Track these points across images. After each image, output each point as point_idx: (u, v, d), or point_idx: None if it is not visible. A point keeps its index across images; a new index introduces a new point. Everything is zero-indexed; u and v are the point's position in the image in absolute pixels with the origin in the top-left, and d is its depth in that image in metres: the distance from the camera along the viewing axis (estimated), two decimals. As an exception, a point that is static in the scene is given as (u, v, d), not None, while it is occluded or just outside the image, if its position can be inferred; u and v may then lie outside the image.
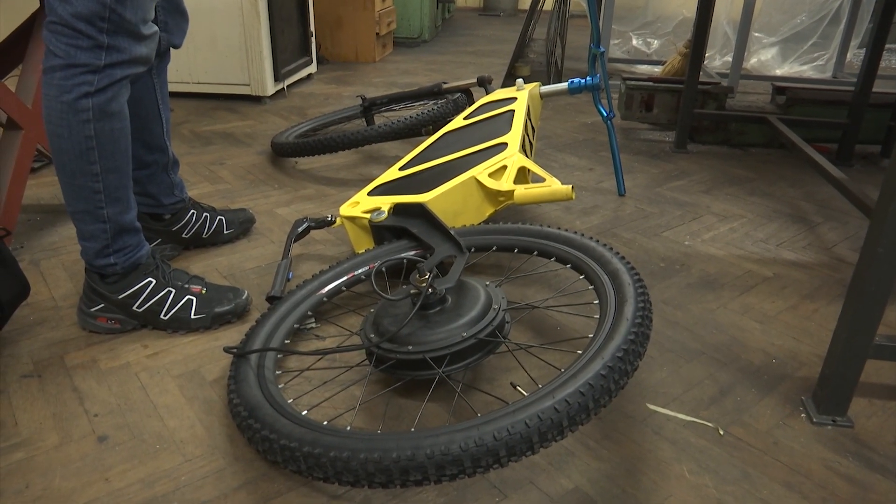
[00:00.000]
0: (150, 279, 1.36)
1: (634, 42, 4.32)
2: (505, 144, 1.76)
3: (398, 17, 4.82)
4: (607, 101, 2.17)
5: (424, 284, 1.17)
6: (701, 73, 2.55)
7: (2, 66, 1.88)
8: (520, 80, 2.15)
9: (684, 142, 2.67)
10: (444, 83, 2.48)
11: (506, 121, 1.92)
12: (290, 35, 3.39)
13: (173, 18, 1.45)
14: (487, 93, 2.33)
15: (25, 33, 1.79)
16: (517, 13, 7.15)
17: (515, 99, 2.05)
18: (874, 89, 2.47)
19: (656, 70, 4.19)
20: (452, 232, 1.40)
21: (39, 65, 1.73)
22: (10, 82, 1.92)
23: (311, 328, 1.41)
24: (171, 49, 1.53)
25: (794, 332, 1.46)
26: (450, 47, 4.99)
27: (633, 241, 1.86)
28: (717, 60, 4.19)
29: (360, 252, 1.66)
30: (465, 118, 2.06)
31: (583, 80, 2.15)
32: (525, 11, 7.32)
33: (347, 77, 3.86)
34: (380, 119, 2.72)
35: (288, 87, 3.41)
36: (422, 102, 2.57)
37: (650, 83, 2.76)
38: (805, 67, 4.14)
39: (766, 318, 1.51)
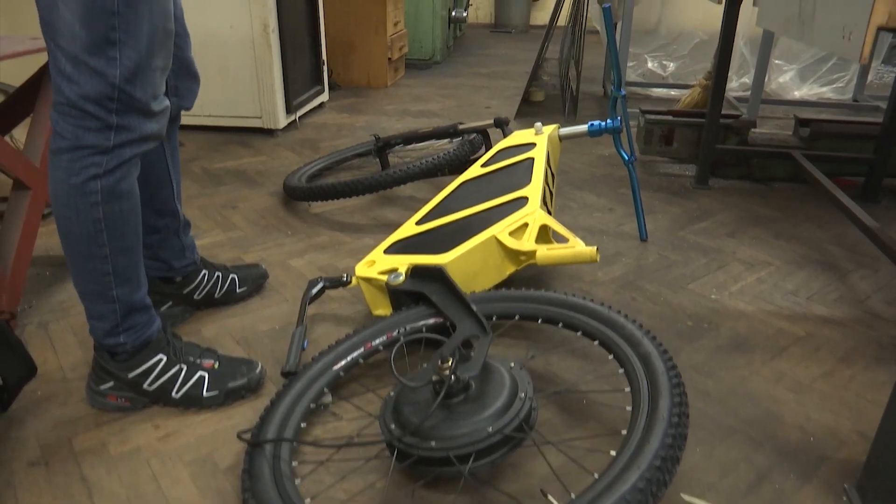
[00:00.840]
0: (160, 356, 1.31)
1: (650, 65, 4.25)
2: (525, 199, 1.71)
3: (410, 39, 4.78)
4: (629, 144, 2.11)
5: (447, 372, 1.12)
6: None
7: (11, 117, 1.85)
8: (538, 124, 2.10)
9: (706, 177, 2.60)
10: (461, 123, 2.43)
11: (525, 170, 1.87)
12: (301, 65, 3.35)
13: (184, 82, 1.40)
14: (504, 134, 2.28)
15: (34, 86, 1.76)
16: (528, 29, 7.10)
17: (534, 145, 2.00)
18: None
19: (673, 93, 4.13)
20: (474, 307, 1.34)
21: (48, 121, 1.70)
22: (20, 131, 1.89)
23: (328, 404, 1.36)
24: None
25: (831, 403, 1.40)
26: (462, 69, 4.94)
27: (658, 296, 1.80)
28: (734, 82, 4.12)
29: (377, 313, 1.62)
30: (483, 165, 2.01)
31: (603, 123, 2.09)
32: (536, 27, 7.29)
33: (360, 105, 3.81)
34: (393, 158, 2.67)
35: (300, 117, 3.37)
36: (437, 141, 2.52)
37: (669, 117, 2.70)
38: (825, 89, 4.06)
39: (801, 387, 1.44)
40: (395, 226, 2.21)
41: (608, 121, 2.08)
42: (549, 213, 1.84)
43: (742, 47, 4.03)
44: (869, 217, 1.93)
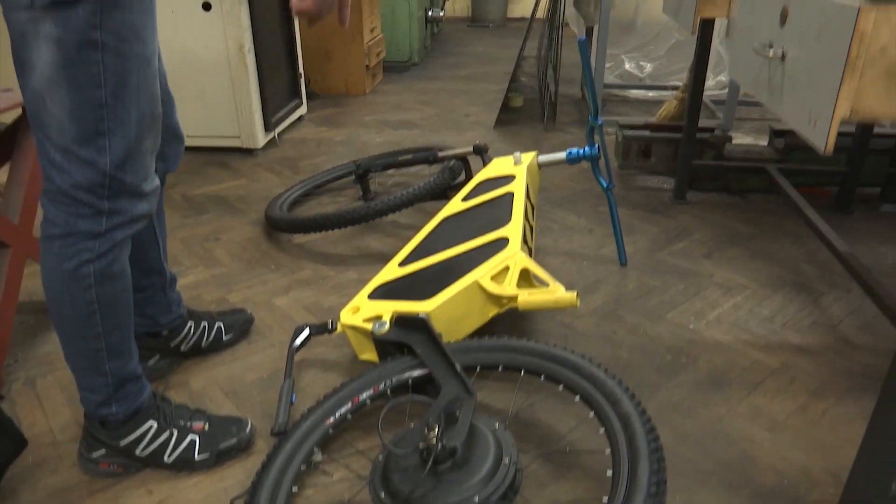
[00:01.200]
0: (151, 423, 1.33)
1: (627, 66, 4.27)
2: (506, 240, 1.73)
3: (387, 41, 4.76)
4: (607, 171, 2.14)
5: (434, 441, 1.15)
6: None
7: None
8: (517, 154, 2.12)
9: (683, 192, 2.64)
10: (440, 150, 2.44)
11: (505, 206, 1.89)
12: (278, 81, 3.33)
13: (171, 146, 1.40)
14: (484, 162, 2.30)
15: (10, 137, 1.75)
16: (506, 23, 7.08)
17: (514, 178, 2.02)
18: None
19: (650, 95, 4.16)
20: (458, 366, 1.37)
21: (25, 177, 1.70)
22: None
23: (318, 462, 1.39)
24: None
25: (805, 441, 1.45)
26: (440, 71, 4.93)
27: (638, 328, 1.84)
28: (710, 80, 4.15)
29: (363, 357, 1.64)
30: (463, 199, 2.03)
31: (581, 151, 2.11)
32: (513, 20, 7.27)
33: (338, 116, 3.80)
34: (373, 180, 2.68)
35: (279, 133, 3.36)
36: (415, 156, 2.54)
37: (647, 132, 2.73)
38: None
39: (776, 425, 1.49)
40: (378, 256, 2.23)
41: (586, 148, 2.11)
42: (530, 250, 1.87)
43: (718, 45, 4.05)
44: (840, 240, 1.98)
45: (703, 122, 2.62)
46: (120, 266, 1.18)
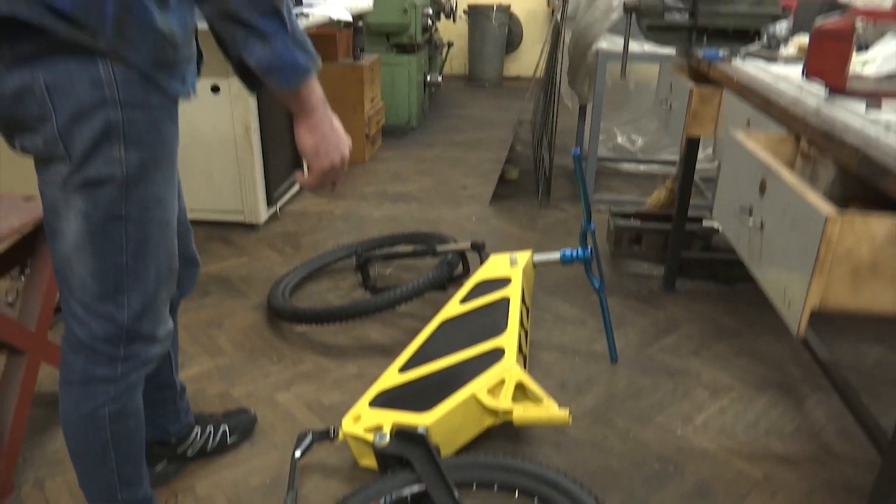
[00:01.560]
0: (160, 542, 1.38)
1: (619, 139, 4.41)
2: (502, 351, 1.81)
3: (386, 106, 4.89)
4: (598, 271, 2.23)
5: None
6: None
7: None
8: (513, 255, 2.21)
9: (672, 281, 2.73)
10: (439, 244, 2.53)
11: (502, 312, 1.97)
12: (282, 155, 3.44)
13: (187, 271, 1.48)
14: (481, 259, 2.39)
15: (28, 243, 1.82)
16: (502, 82, 7.26)
17: (509, 281, 2.10)
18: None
19: (642, 168, 4.29)
20: (456, 492, 1.43)
21: (43, 285, 1.77)
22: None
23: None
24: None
25: (787, 562, 1.51)
26: (438, 135, 5.06)
27: (627, 433, 1.91)
28: (700, 153, 4.28)
29: (363, 463, 1.71)
30: (461, 301, 2.11)
31: (574, 252, 2.21)
32: (509, 79, 7.45)
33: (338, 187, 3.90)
34: (372, 260, 2.76)
35: (281, 206, 3.45)
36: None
37: (638, 223, 2.83)
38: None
39: (760, 544, 1.56)
40: (378, 348, 2.30)
41: (579, 250, 2.20)
42: (525, 358, 1.95)
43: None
44: (821, 345, 2.06)
45: (691, 211, 2.72)
46: (134, 405, 1.24)
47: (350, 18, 3.53)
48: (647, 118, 4.44)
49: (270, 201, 3.30)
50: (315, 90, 1.11)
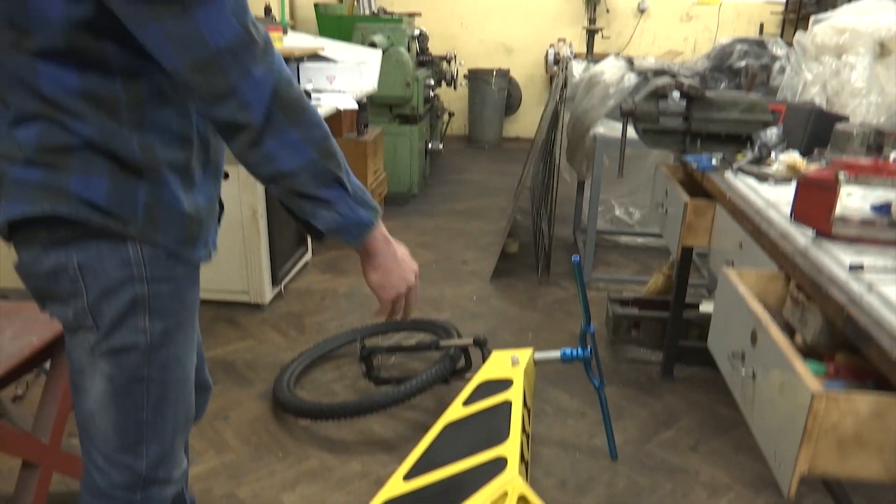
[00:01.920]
0: None
1: (617, 212, 4.51)
2: (504, 461, 1.85)
3: (388, 175, 4.99)
4: (598, 370, 2.28)
5: None
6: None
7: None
8: (515, 356, 2.27)
9: (670, 369, 2.79)
10: (442, 332, 2.60)
11: (504, 417, 2.02)
12: (287, 235, 3.52)
13: (199, 396, 1.53)
14: (483, 355, 2.44)
15: (47, 349, 1.87)
16: (501, 143, 7.41)
17: (511, 383, 2.15)
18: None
19: (639, 241, 4.38)
20: None
21: (59, 395, 1.81)
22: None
23: None
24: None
25: None
26: (439, 204, 5.15)
27: (627, 540, 1.94)
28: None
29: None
30: (464, 403, 2.16)
31: (574, 352, 2.26)
32: (508, 140, 7.61)
33: (341, 261, 3.97)
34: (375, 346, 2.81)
35: (286, 284, 3.52)
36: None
37: (636, 310, 2.90)
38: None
39: None
40: (381, 443, 2.34)
41: (579, 350, 2.26)
42: (527, 465, 1.99)
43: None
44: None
45: (688, 296, 2.79)
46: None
47: (356, 107, 3.66)
48: (643, 191, 4.53)
49: (275, 281, 3.37)
50: (377, 236, 1.15)
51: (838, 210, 1.40)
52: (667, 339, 2.74)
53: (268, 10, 3.91)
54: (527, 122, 7.46)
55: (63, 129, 0.98)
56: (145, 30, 0.92)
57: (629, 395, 2.66)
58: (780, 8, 7.06)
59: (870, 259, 1.29)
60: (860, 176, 1.36)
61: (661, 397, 2.66)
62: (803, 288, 1.35)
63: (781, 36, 7.12)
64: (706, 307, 3.04)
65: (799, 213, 1.44)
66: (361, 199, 1.11)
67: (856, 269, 1.20)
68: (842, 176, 1.35)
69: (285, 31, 3.93)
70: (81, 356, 1.12)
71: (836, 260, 1.30)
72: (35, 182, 0.99)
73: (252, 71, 0.95)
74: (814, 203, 1.40)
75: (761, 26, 7.16)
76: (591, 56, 7.00)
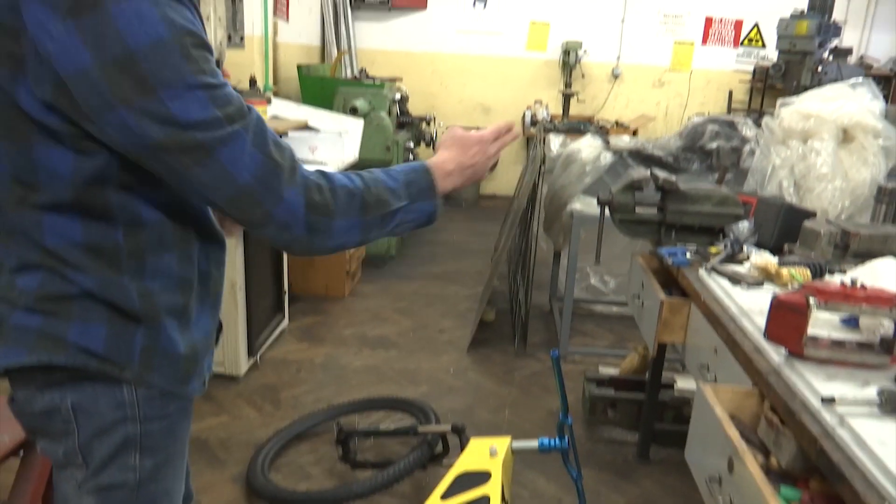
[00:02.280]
0: None
1: (592, 280, 4.57)
2: (483, 564, 1.84)
3: (367, 238, 5.01)
4: (575, 461, 2.28)
5: None
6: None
7: None
8: (493, 447, 2.26)
9: (647, 451, 2.80)
10: (419, 423, 2.60)
11: (481, 514, 2.01)
12: (264, 304, 3.51)
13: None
14: (462, 442, 2.44)
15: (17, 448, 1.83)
16: (478, 201, 7.51)
17: (489, 476, 2.15)
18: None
19: (614, 310, 4.43)
20: None
21: (29, 496, 1.77)
22: None
23: None
24: None
25: None
26: (416, 266, 5.18)
27: None
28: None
29: None
30: (441, 496, 2.14)
31: (552, 442, 2.27)
32: (486, 198, 7.71)
33: (318, 328, 3.96)
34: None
35: (261, 354, 3.49)
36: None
37: (612, 391, 2.92)
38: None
39: None
40: (357, 534, 2.31)
41: (556, 440, 2.27)
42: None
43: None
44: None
45: (664, 368, 2.82)
46: None
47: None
48: (619, 260, 4.60)
49: (251, 351, 3.34)
50: (447, 187, 1.25)
51: (810, 328, 1.45)
52: (642, 423, 2.76)
53: (252, 81, 3.96)
54: (503, 180, 7.57)
55: (63, 279, 0.99)
56: (177, 178, 0.95)
57: (605, 480, 2.67)
58: (748, 77, 7.33)
59: (840, 385, 1.34)
60: (829, 302, 1.41)
61: (638, 482, 2.66)
62: (777, 411, 1.38)
63: (749, 103, 7.38)
64: (682, 384, 3.08)
65: (772, 333, 1.49)
66: (416, 194, 1.16)
67: (828, 402, 1.24)
68: (812, 301, 1.41)
69: (269, 101, 3.97)
70: (68, 490, 1.10)
71: (809, 386, 1.34)
72: (34, 328, 1.00)
73: (283, 195, 0.99)
74: (786, 324, 1.45)
75: (730, 93, 7.41)
76: (567, 118, 7.17)
